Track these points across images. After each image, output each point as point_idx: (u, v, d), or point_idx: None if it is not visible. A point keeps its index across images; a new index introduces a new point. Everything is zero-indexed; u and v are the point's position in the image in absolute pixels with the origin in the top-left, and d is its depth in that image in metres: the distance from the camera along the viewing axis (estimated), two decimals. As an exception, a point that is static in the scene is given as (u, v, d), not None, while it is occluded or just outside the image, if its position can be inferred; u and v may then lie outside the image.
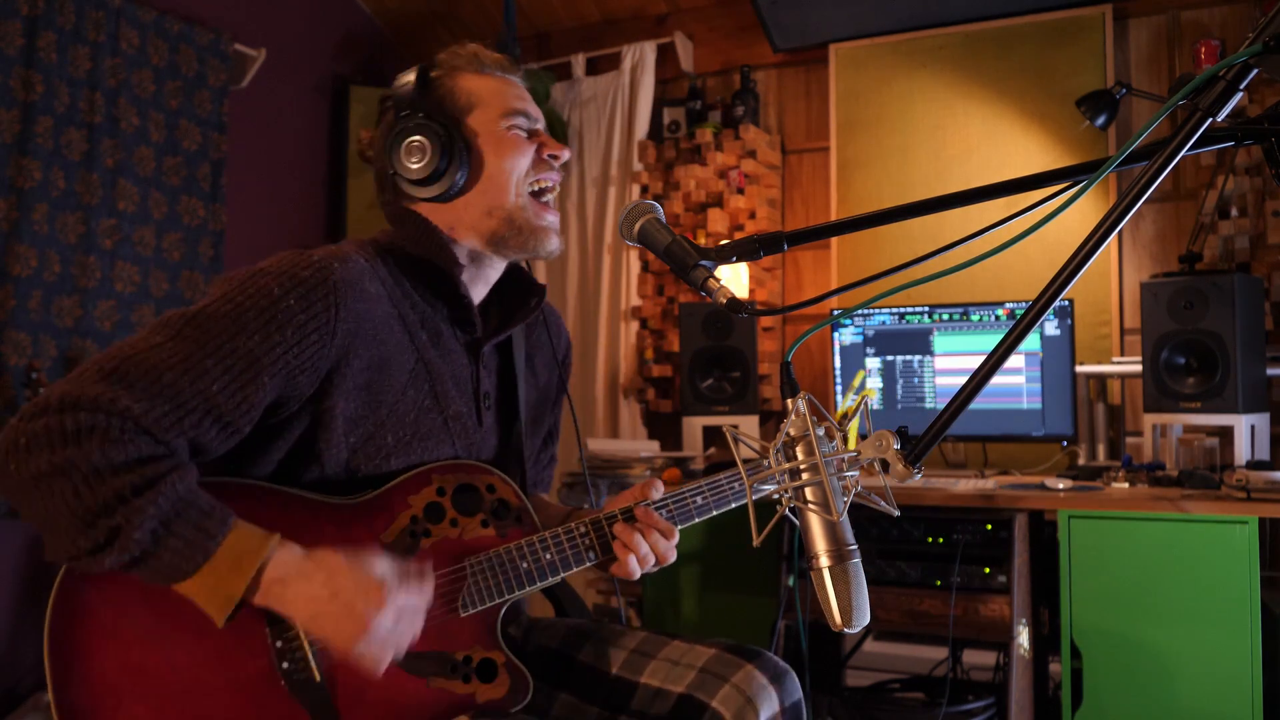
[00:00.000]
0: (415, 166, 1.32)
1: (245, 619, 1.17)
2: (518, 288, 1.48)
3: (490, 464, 1.38)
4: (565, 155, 1.41)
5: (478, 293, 1.43)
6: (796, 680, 1.38)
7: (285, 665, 1.21)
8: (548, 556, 1.33)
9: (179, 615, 1.15)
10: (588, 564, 1.36)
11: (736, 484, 1.41)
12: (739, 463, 0.93)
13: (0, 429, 1.10)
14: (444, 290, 1.37)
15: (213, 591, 1.10)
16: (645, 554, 1.35)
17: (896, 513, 0.91)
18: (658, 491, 1.39)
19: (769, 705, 1.31)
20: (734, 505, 1.43)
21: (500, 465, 1.42)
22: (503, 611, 1.33)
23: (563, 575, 1.35)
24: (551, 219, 1.39)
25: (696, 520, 1.40)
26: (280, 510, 1.25)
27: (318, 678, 1.22)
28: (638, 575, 1.36)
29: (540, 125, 1.42)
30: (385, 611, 1.13)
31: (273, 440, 1.27)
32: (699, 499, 1.39)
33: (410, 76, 1.37)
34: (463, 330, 1.40)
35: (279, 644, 1.21)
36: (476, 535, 1.32)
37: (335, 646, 1.15)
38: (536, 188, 1.38)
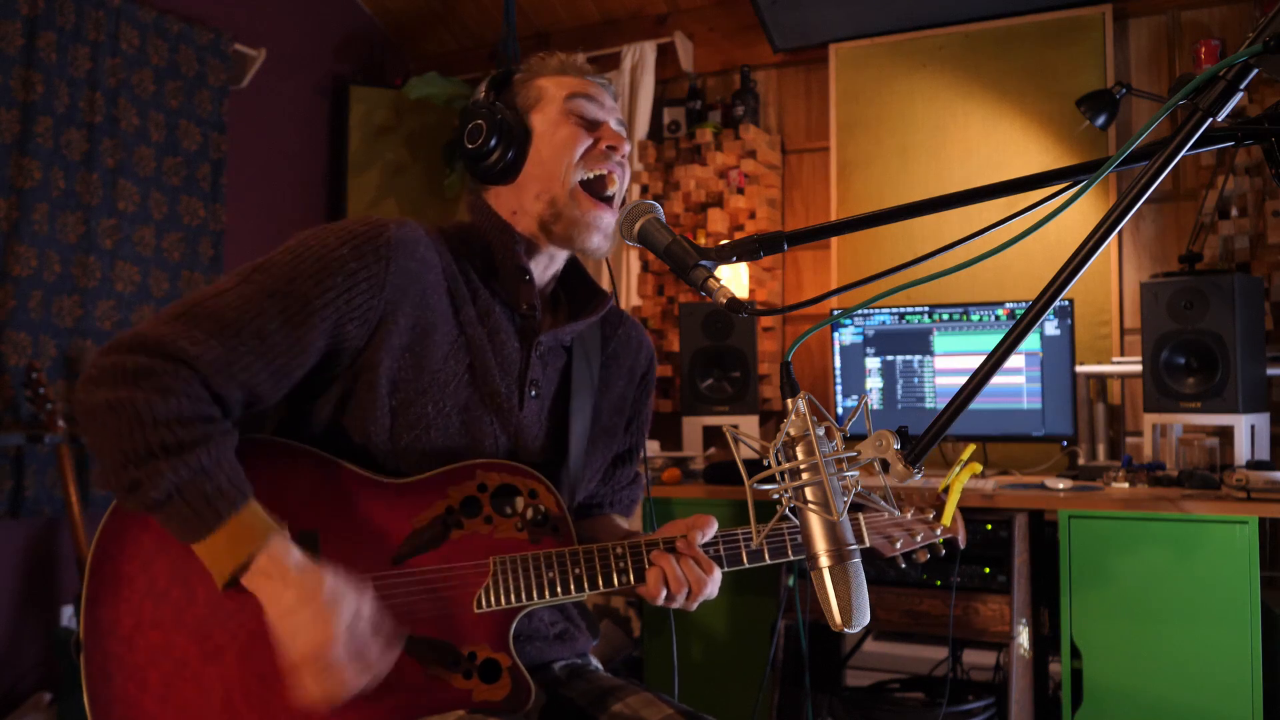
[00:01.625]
0: (470, 147, 1.39)
1: None
2: (585, 290, 1.51)
3: (536, 456, 1.38)
4: (625, 148, 1.40)
5: (538, 278, 1.44)
6: None
7: None
8: (576, 571, 1.31)
9: None
10: (617, 586, 1.32)
11: (796, 535, 1.38)
12: (739, 463, 0.93)
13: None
14: (501, 269, 1.40)
15: (212, 561, 1.17)
16: (678, 578, 1.31)
17: (897, 512, 0.91)
18: (711, 529, 1.36)
19: None
20: (791, 558, 1.40)
21: (548, 461, 1.41)
22: (518, 618, 1.31)
23: (588, 592, 1.32)
24: (597, 214, 1.38)
25: (746, 566, 1.37)
26: (328, 480, 1.29)
27: None
28: (663, 600, 1.33)
29: (608, 119, 1.41)
30: (315, 660, 1.15)
31: (324, 395, 1.31)
32: (753, 544, 1.36)
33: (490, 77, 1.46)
34: (519, 314, 1.41)
35: None
36: (508, 536, 1.31)
37: (284, 653, 1.19)
38: (588, 176, 1.38)
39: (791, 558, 1.40)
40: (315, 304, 1.23)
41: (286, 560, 1.16)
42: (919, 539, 1.52)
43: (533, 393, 1.41)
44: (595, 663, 1.54)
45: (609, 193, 1.40)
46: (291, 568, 1.16)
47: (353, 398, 1.30)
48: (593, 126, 1.40)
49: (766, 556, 1.37)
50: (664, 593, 1.32)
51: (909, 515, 1.53)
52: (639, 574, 1.32)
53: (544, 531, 1.32)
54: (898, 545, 1.50)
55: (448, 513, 1.30)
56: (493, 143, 1.37)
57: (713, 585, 1.35)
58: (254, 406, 1.25)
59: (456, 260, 1.39)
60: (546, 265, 1.44)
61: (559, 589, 1.30)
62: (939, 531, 1.53)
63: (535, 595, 1.29)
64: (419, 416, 1.31)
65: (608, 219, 1.39)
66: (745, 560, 1.37)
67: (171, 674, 1.22)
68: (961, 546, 1.58)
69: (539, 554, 1.31)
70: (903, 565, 1.51)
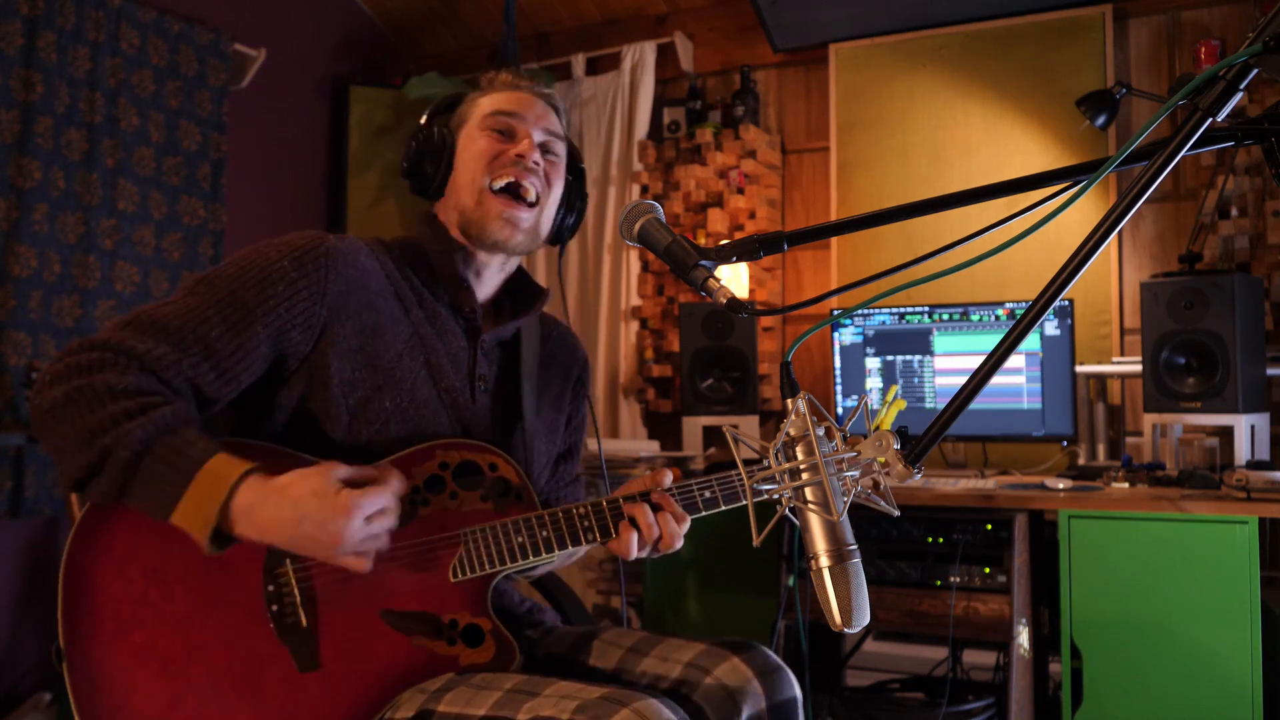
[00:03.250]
0: (404, 167, 1.49)
1: (242, 561, 1.26)
2: (526, 292, 1.57)
3: (491, 443, 1.41)
4: (533, 157, 1.45)
5: (478, 288, 1.50)
6: (790, 677, 1.38)
7: (274, 608, 1.27)
8: (544, 533, 1.35)
9: (185, 553, 1.23)
10: (585, 544, 1.37)
11: (734, 484, 1.42)
12: (739, 462, 0.93)
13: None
14: (442, 275, 1.47)
15: (194, 517, 1.16)
16: (650, 524, 1.35)
17: (896, 512, 0.91)
18: (668, 479, 1.40)
19: (753, 701, 1.32)
20: (743, 502, 1.41)
21: (502, 447, 1.44)
22: (494, 583, 1.36)
23: (557, 552, 1.36)
24: (504, 210, 1.43)
25: (703, 513, 1.40)
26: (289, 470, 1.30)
27: (304, 623, 1.27)
28: (635, 553, 1.37)
29: (530, 129, 1.47)
30: (353, 519, 1.17)
31: (277, 397, 1.36)
32: (707, 492, 1.40)
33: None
34: (462, 317, 1.47)
35: (270, 587, 1.28)
36: (475, 509, 1.36)
37: (319, 558, 1.23)
38: (498, 185, 1.44)
39: (740, 502, 1.40)
40: (257, 312, 1.28)
41: (265, 485, 1.18)
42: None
43: (481, 386, 1.47)
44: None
45: (526, 199, 1.45)
46: (270, 489, 1.17)
47: (308, 399, 1.35)
48: (507, 136, 1.46)
49: (721, 503, 1.41)
50: (634, 547, 1.36)
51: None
52: (604, 531, 1.37)
53: (508, 501, 1.38)
54: None
55: (414, 492, 1.34)
56: (419, 162, 1.47)
57: (679, 538, 1.40)
58: (205, 409, 1.29)
59: (399, 268, 1.45)
60: (488, 274, 1.50)
61: (529, 552, 1.35)
62: None
63: (508, 560, 1.34)
64: (378, 412, 1.36)
65: (514, 212, 1.44)
66: (701, 508, 1.40)
67: (158, 673, 1.23)
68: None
69: (506, 521, 1.35)
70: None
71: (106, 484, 1.16)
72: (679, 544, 1.39)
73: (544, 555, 1.35)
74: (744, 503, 1.39)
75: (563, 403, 1.63)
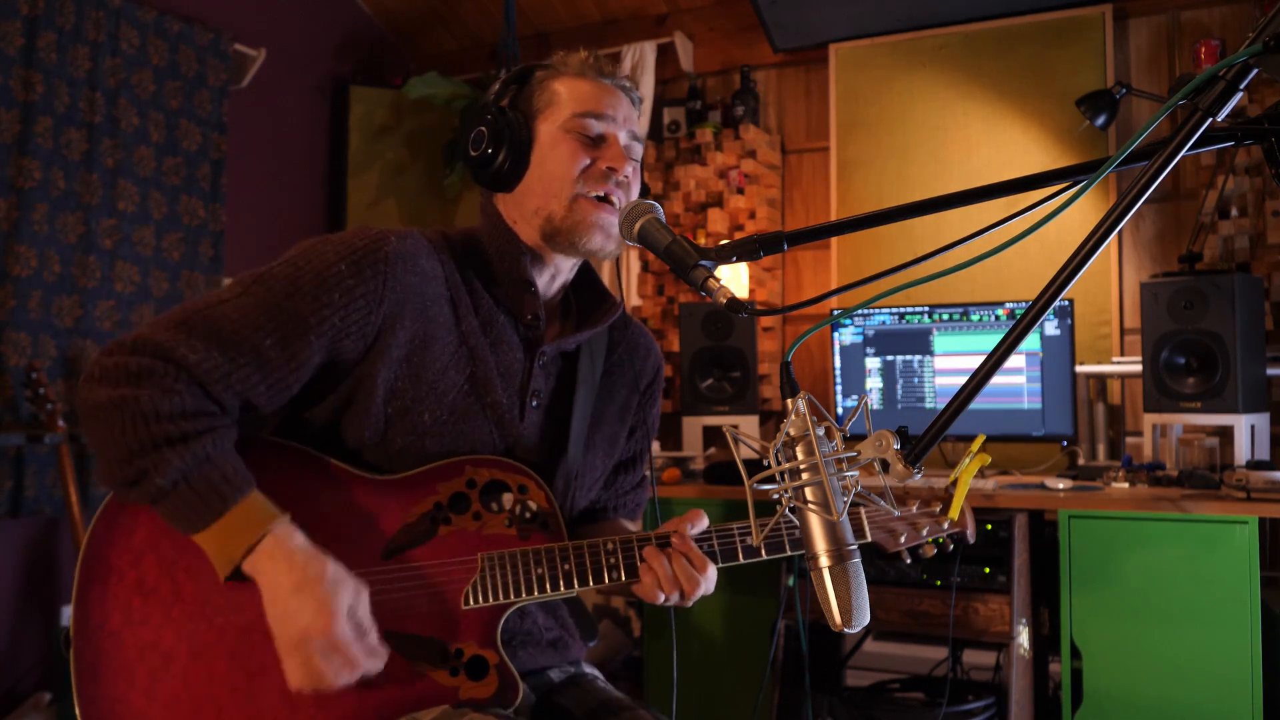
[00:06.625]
0: (472, 154, 1.37)
1: None
2: (594, 298, 1.49)
3: (532, 464, 1.36)
4: (625, 170, 1.36)
5: (543, 290, 1.42)
6: None
7: None
8: (565, 566, 1.30)
9: (199, 554, 1.22)
10: (608, 582, 1.31)
11: (794, 531, 1.36)
12: (739, 463, 0.93)
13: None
14: (506, 278, 1.38)
15: (219, 548, 1.17)
16: (669, 576, 1.30)
17: (897, 512, 0.91)
18: (702, 522, 1.35)
19: None
20: (790, 553, 1.38)
21: (545, 468, 1.39)
22: (507, 614, 1.30)
23: (578, 589, 1.31)
24: (599, 215, 1.35)
25: (742, 562, 1.35)
26: (316, 476, 1.29)
27: None
28: (661, 600, 1.32)
29: (618, 133, 1.38)
30: (319, 641, 1.15)
31: (323, 402, 1.32)
32: (749, 539, 1.35)
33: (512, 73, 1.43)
34: (523, 324, 1.39)
35: None
36: (497, 532, 1.31)
37: (279, 636, 1.18)
38: (588, 195, 1.35)
39: (789, 553, 1.38)
40: (310, 321, 1.23)
41: (291, 543, 1.17)
42: (924, 533, 1.47)
43: (534, 403, 1.40)
44: (590, 670, 1.52)
45: (608, 200, 1.37)
46: (296, 550, 1.17)
47: (350, 404, 1.31)
48: (596, 143, 1.36)
49: (763, 553, 1.36)
50: (659, 595, 1.31)
51: (914, 509, 1.50)
52: (630, 570, 1.32)
53: (533, 527, 1.32)
54: (902, 539, 1.46)
55: (436, 509, 1.30)
56: (492, 151, 1.35)
57: (707, 583, 1.34)
58: (252, 414, 1.26)
59: (460, 269, 1.37)
60: (553, 276, 1.43)
61: (548, 585, 1.29)
62: (946, 525, 1.48)
63: (524, 592, 1.29)
64: (414, 424, 1.31)
65: (609, 218, 1.36)
66: (741, 556, 1.36)
67: (159, 669, 1.23)
68: (970, 541, 1.52)
69: (528, 550, 1.30)
70: (908, 560, 1.47)
71: (137, 498, 1.17)
72: (705, 588, 1.32)
73: (563, 590, 1.29)
74: (790, 554, 1.37)
75: (627, 413, 1.53)
